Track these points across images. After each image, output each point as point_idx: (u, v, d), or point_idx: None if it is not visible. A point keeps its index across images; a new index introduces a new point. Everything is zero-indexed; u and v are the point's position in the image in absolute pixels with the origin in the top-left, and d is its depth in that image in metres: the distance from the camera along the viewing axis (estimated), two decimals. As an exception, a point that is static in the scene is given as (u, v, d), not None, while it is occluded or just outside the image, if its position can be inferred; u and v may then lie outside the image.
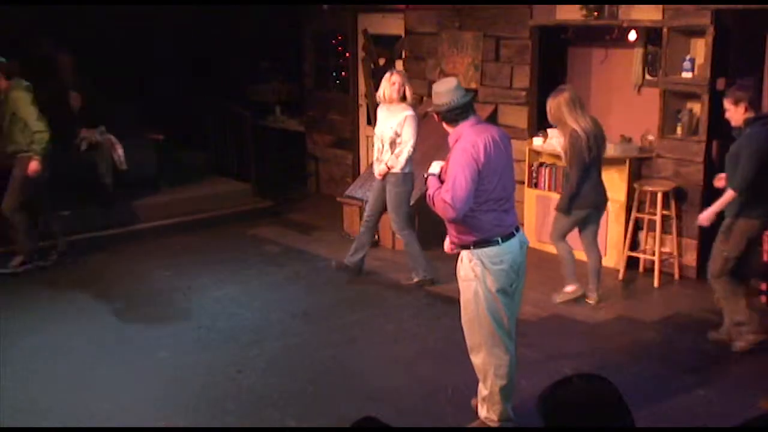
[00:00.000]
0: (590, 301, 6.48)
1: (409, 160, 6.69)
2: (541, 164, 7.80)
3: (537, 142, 7.72)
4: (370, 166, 8.80)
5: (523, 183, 7.95)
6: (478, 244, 4.28)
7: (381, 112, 6.87)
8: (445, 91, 4.31)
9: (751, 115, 5.34)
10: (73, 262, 7.56)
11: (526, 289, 6.77)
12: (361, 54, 9.58)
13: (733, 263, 5.52)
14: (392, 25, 9.25)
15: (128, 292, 6.91)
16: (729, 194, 5.41)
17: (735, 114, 5.37)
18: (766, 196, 5.40)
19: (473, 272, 4.31)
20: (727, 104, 5.41)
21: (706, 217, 5.64)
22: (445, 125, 4.38)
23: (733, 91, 5.45)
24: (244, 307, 6.58)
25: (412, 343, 5.86)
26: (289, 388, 5.15)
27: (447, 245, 4.58)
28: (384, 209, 6.98)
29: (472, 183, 4.14)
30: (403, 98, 6.70)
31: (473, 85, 8.28)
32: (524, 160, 7.91)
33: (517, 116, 8.04)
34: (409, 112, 6.66)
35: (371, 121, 9.58)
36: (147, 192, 8.99)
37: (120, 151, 8.48)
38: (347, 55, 9.91)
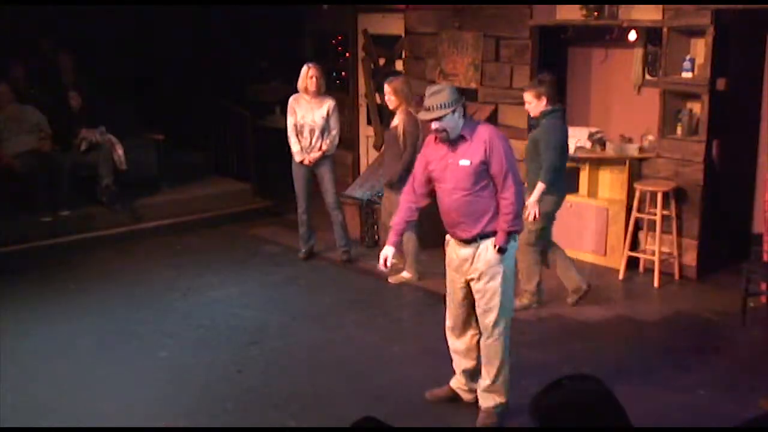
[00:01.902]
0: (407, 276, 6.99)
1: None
2: (541, 164, 7.79)
3: (537, 142, 7.71)
4: (370, 165, 8.82)
5: (523, 183, 7.94)
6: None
7: (301, 104, 7.37)
8: (450, 89, 4.47)
9: (548, 107, 5.98)
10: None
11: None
12: (361, 54, 9.58)
13: (537, 235, 6.17)
14: (392, 25, 9.25)
15: (128, 292, 6.91)
16: (541, 187, 5.95)
17: (536, 107, 6.02)
18: (562, 176, 6.09)
19: (502, 256, 4.47)
20: (530, 97, 6.01)
21: (531, 212, 5.96)
22: (459, 121, 4.40)
23: (535, 86, 6.08)
24: (244, 307, 6.58)
25: (412, 343, 5.86)
26: (289, 388, 5.15)
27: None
28: (311, 195, 7.57)
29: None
30: (320, 90, 7.31)
31: (473, 85, 8.28)
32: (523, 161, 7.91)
33: (517, 116, 8.03)
34: (333, 100, 7.37)
35: (371, 121, 9.60)
36: (147, 192, 8.98)
37: (120, 151, 8.48)
38: (347, 55, 9.91)
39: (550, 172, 5.94)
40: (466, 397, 4.88)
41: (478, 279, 4.52)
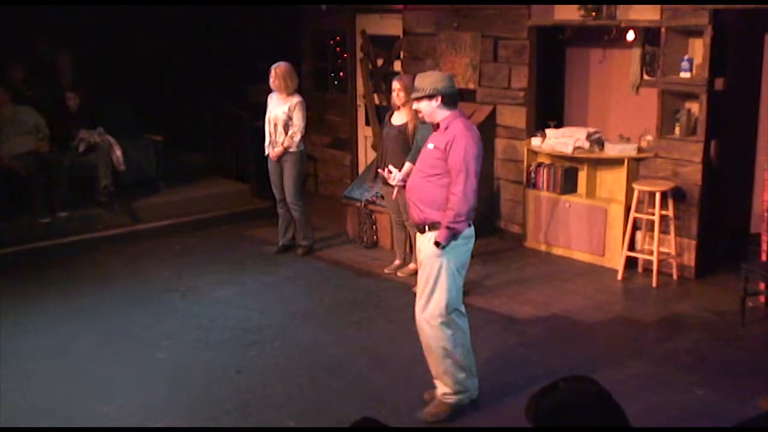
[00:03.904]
0: None
1: (302, 139, 7.56)
2: (539, 164, 7.81)
3: (535, 142, 7.72)
4: (368, 166, 8.82)
5: (522, 183, 7.96)
6: None
7: (273, 100, 7.64)
8: (444, 76, 4.65)
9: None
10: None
11: (525, 289, 6.87)
12: (359, 54, 9.58)
13: None
14: (390, 25, 9.25)
15: (127, 292, 6.91)
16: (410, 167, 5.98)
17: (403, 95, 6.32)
18: None
19: (450, 247, 4.56)
20: (400, 85, 6.43)
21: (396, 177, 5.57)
22: (437, 110, 4.58)
23: (402, 77, 6.53)
24: (244, 307, 6.59)
25: (411, 343, 5.85)
26: (289, 388, 5.16)
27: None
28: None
29: (479, 168, 4.56)
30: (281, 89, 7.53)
31: (471, 86, 8.28)
32: (522, 161, 7.92)
33: (516, 116, 8.04)
34: (299, 98, 7.54)
35: (369, 121, 9.61)
36: (146, 192, 8.99)
37: (119, 152, 8.48)
38: (345, 55, 9.91)
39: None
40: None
41: (420, 269, 4.70)
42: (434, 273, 4.57)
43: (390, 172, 5.32)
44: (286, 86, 7.50)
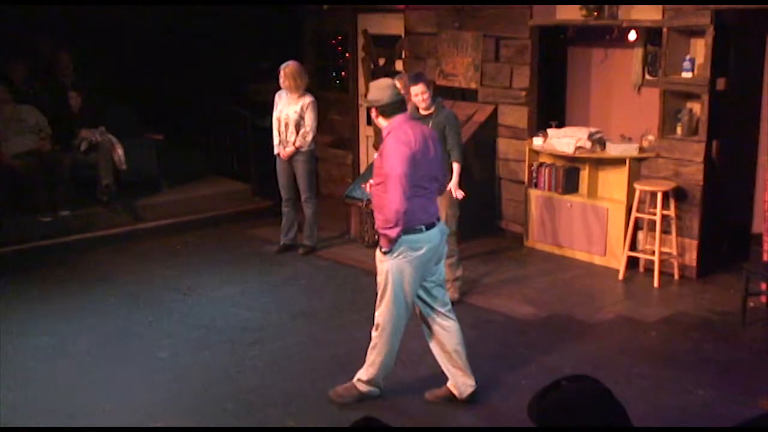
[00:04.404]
0: None
1: (313, 139, 7.59)
2: (541, 164, 7.80)
3: (537, 141, 7.72)
4: (370, 166, 8.81)
5: (523, 183, 7.95)
6: (403, 231, 4.52)
7: (282, 99, 7.62)
8: (384, 86, 4.69)
9: (434, 98, 6.35)
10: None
11: (526, 289, 6.85)
12: (360, 54, 9.58)
13: (458, 221, 6.42)
14: (392, 25, 9.24)
15: (128, 292, 6.91)
16: (458, 168, 6.26)
17: (429, 96, 6.29)
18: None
19: (393, 255, 4.58)
20: (424, 87, 6.27)
21: (459, 193, 6.25)
22: (381, 119, 4.66)
23: (422, 77, 6.44)
24: (244, 307, 6.58)
25: (411, 343, 5.85)
26: (289, 388, 5.15)
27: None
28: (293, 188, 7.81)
29: (410, 172, 4.45)
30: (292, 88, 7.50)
31: (473, 85, 8.28)
32: (524, 160, 7.92)
33: (517, 116, 8.04)
34: (311, 98, 7.55)
35: (371, 121, 9.59)
36: (147, 192, 8.99)
37: (120, 151, 8.48)
38: (347, 55, 9.91)
39: (463, 153, 6.37)
40: (458, 393, 4.90)
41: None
42: (382, 279, 4.69)
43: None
44: (296, 85, 7.47)
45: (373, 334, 4.88)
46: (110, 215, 8.47)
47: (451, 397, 4.92)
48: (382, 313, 4.77)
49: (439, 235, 4.67)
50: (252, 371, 5.39)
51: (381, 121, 4.66)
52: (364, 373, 4.93)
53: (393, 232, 4.48)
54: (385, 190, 4.49)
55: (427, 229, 4.60)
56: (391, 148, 4.50)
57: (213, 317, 6.35)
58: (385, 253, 4.60)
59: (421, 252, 4.59)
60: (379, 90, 4.65)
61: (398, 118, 4.61)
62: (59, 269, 7.45)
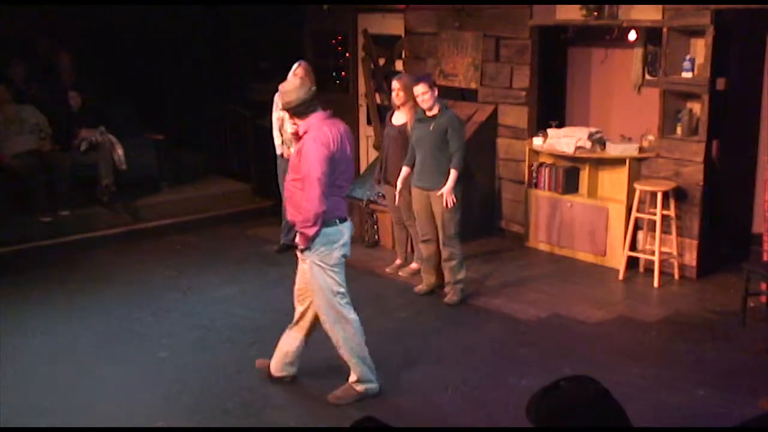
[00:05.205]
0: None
1: None
2: (540, 164, 7.80)
3: (537, 141, 7.71)
4: (370, 166, 8.82)
5: (523, 183, 7.95)
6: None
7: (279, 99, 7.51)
8: (292, 89, 4.73)
9: (439, 99, 6.29)
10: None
11: (526, 289, 6.85)
12: (361, 54, 9.57)
13: (458, 225, 6.38)
14: (392, 25, 9.24)
15: (128, 292, 6.91)
16: (455, 175, 6.20)
17: (432, 97, 6.21)
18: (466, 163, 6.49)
19: (312, 249, 4.71)
20: (426, 88, 6.21)
21: (448, 200, 6.23)
22: (297, 120, 4.71)
23: (426, 78, 6.41)
24: (244, 307, 6.58)
25: (412, 343, 5.86)
26: (289, 388, 5.15)
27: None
28: None
29: (328, 171, 4.54)
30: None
31: (473, 85, 8.28)
32: (524, 160, 7.92)
33: (517, 116, 8.04)
34: None
35: (371, 121, 9.60)
36: (147, 192, 8.99)
37: (120, 151, 8.48)
38: (347, 55, 9.91)
39: (463, 159, 6.27)
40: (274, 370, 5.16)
41: None
42: (308, 277, 4.81)
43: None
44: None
45: (328, 334, 4.96)
46: (110, 215, 8.47)
47: (268, 373, 5.17)
48: (321, 311, 4.87)
49: (350, 229, 4.86)
50: (252, 371, 5.39)
51: (297, 121, 4.70)
52: (353, 374, 4.98)
53: (311, 231, 4.63)
54: (302, 189, 4.58)
55: (341, 222, 4.76)
56: (309, 149, 4.57)
57: (213, 317, 6.35)
58: (302, 251, 4.73)
59: (339, 243, 4.74)
60: (288, 93, 4.69)
61: (315, 117, 4.66)
62: (59, 269, 7.44)
